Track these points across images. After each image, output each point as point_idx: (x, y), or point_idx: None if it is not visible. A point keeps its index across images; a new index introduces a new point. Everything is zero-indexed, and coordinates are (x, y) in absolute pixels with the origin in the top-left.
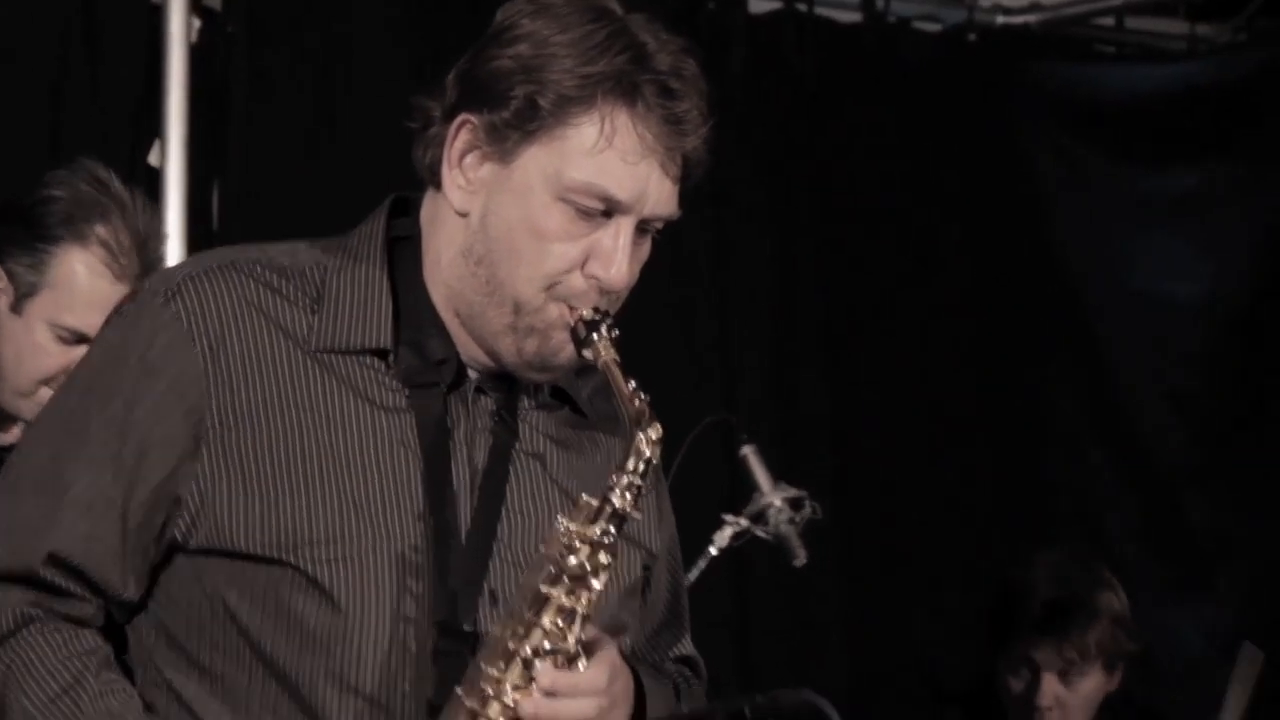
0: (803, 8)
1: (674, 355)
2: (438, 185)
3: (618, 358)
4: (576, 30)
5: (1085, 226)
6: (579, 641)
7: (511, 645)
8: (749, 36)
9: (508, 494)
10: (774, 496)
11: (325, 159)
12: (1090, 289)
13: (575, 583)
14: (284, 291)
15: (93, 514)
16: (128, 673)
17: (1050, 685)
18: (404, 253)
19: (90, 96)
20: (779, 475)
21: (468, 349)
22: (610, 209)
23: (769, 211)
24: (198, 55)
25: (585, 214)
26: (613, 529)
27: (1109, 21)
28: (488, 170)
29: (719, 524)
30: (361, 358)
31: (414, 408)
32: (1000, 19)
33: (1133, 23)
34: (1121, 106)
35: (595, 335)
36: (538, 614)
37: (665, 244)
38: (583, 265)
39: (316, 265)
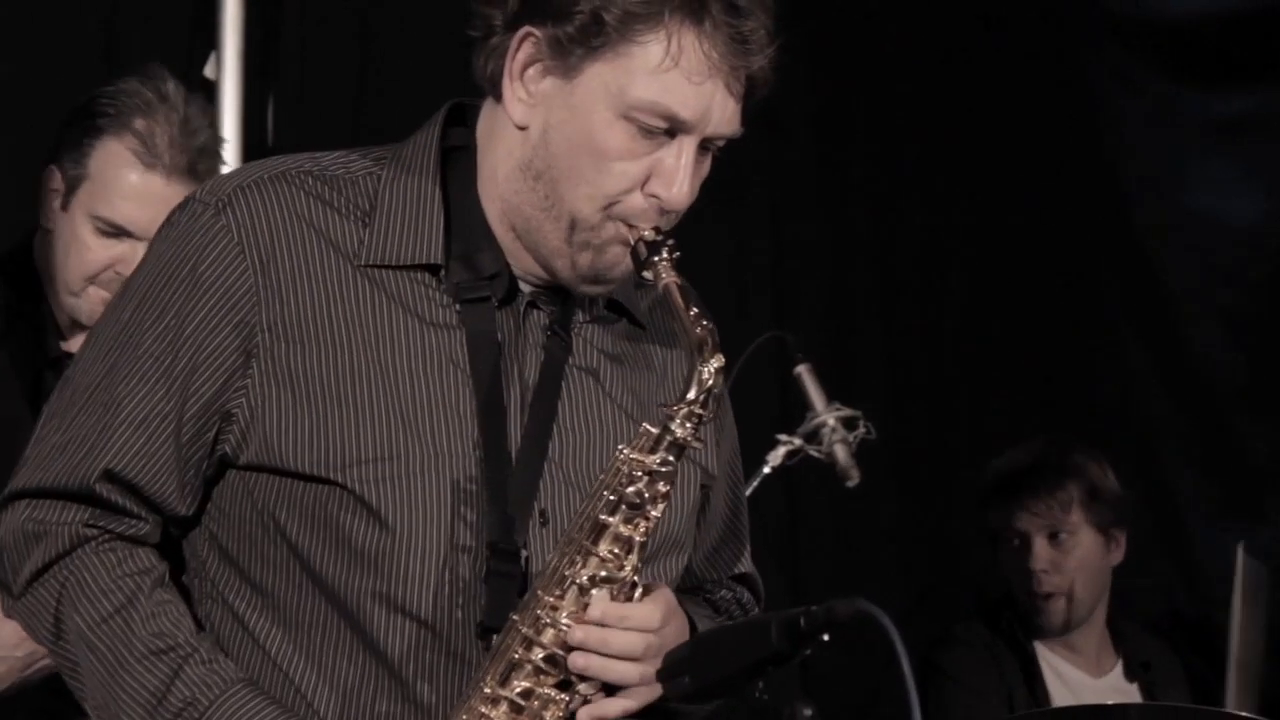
0: None
1: (728, 273)
2: (498, 97)
3: (679, 280)
4: None
5: (1141, 145)
6: (635, 570)
7: (568, 573)
8: None
9: (559, 411)
10: (828, 415)
11: (379, 69)
12: (1144, 208)
13: (633, 511)
14: (335, 204)
15: (147, 429)
16: (184, 591)
17: (1041, 548)
18: (458, 163)
19: (145, 10)
20: (833, 394)
21: (522, 262)
22: (674, 128)
23: (822, 127)
24: None
25: (648, 132)
26: (672, 459)
27: None
28: (549, 84)
29: (772, 443)
30: (412, 273)
31: (464, 324)
32: None
33: None
34: (1181, 26)
35: (656, 257)
36: (595, 542)
37: (720, 163)
38: (643, 184)
39: (369, 176)
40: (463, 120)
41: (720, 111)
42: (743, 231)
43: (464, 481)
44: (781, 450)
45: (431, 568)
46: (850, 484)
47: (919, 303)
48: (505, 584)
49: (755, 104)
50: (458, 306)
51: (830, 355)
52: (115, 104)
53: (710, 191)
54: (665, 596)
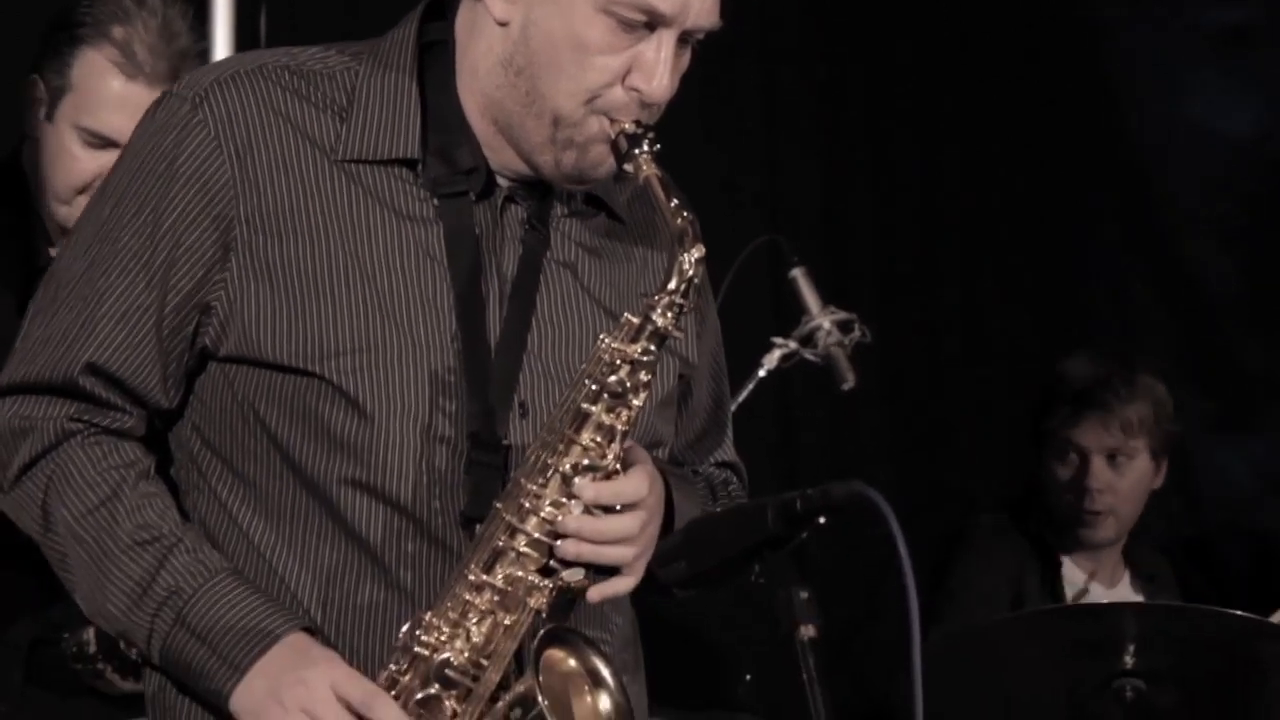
0: None
1: (721, 178)
2: None
3: (660, 172)
4: None
5: (1137, 55)
6: (617, 459)
7: (550, 461)
8: None
9: (538, 303)
10: (823, 319)
11: None
12: (1140, 118)
13: (615, 400)
14: (312, 98)
15: (128, 322)
16: (170, 484)
17: (1099, 467)
18: (436, 59)
19: None
20: (828, 298)
21: (500, 157)
22: (653, 20)
23: (817, 49)
24: None
25: (628, 26)
26: (653, 348)
27: None
28: None
29: (767, 346)
30: (389, 168)
31: (442, 218)
32: None
33: None
34: None
35: (637, 149)
36: (577, 431)
37: (713, 66)
38: (624, 78)
39: (346, 70)
40: (441, 15)
41: (699, 3)
42: (737, 140)
43: (442, 372)
44: (776, 353)
45: (410, 455)
46: (846, 387)
47: (914, 210)
48: (486, 474)
49: None
50: (435, 201)
51: (825, 259)
52: (93, 12)
53: (705, 103)
54: (645, 466)
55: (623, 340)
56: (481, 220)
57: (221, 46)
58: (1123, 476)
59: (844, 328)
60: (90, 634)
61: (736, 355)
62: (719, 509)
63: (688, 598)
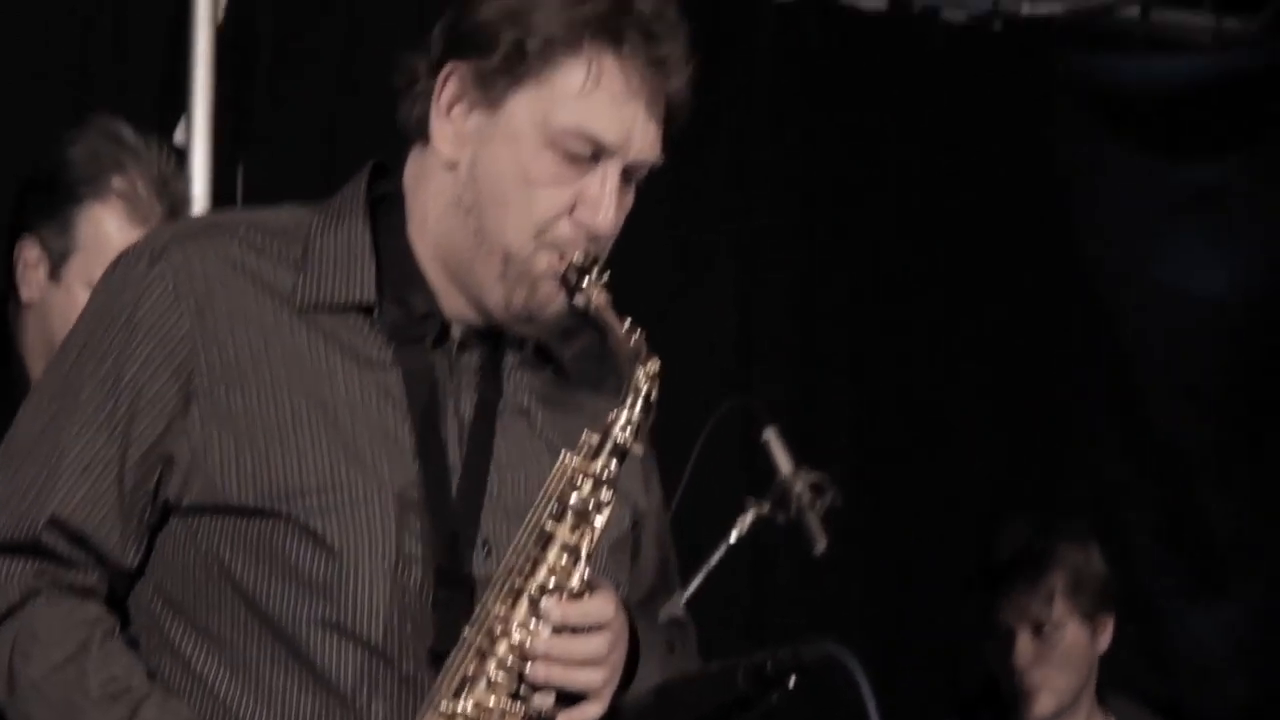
0: None
1: (694, 339)
2: (425, 139)
3: (609, 300)
4: None
5: (1107, 217)
6: (583, 580)
7: (517, 583)
8: (773, 24)
9: (495, 448)
10: (795, 481)
11: (349, 140)
12: (1111, 281)
13: (578, 519)
14: (268, 251)
15: (90, 476)
16: (133, 645)
17: (1024, 643)
18: (387, 210)
19: (116, 74)
20: (800, 460)
21: (453, 304)
22: (597, 152)
23: (791, 199)
24: (224, 34)
25: (573, 159)
26: (614, 464)
27: (1134, 13)
28: (476, 118)
29: (740, 508)
30: (346, 314)
31: (399, 362)
32: (1026, 8)
33: (1158, 15)
34: (1146, 97)
35: (586, 280)
36: (542, 550)
37: (688, 226)
38: (570, 212)
39: (299, 225)
40: (386, 175)
41: (642, 136)
42: (709, 296)
43: (408, 510)
44: (749, 516)
45: (379, 593)
46: (818, 550)
47: (888, 372)
48: (453, 611)
49: (674, 131)
50: (392, 346)
51: (798, 422)
52: (86, 168)
53: (677, 254)
54: (610, 590)
55: (584, 458)
56: (438, 365)
57: (199, 202)
58: (1052, 648)
59: (816, 490)
60: None
61: (709, 517)
62: (690, 670)
63: None
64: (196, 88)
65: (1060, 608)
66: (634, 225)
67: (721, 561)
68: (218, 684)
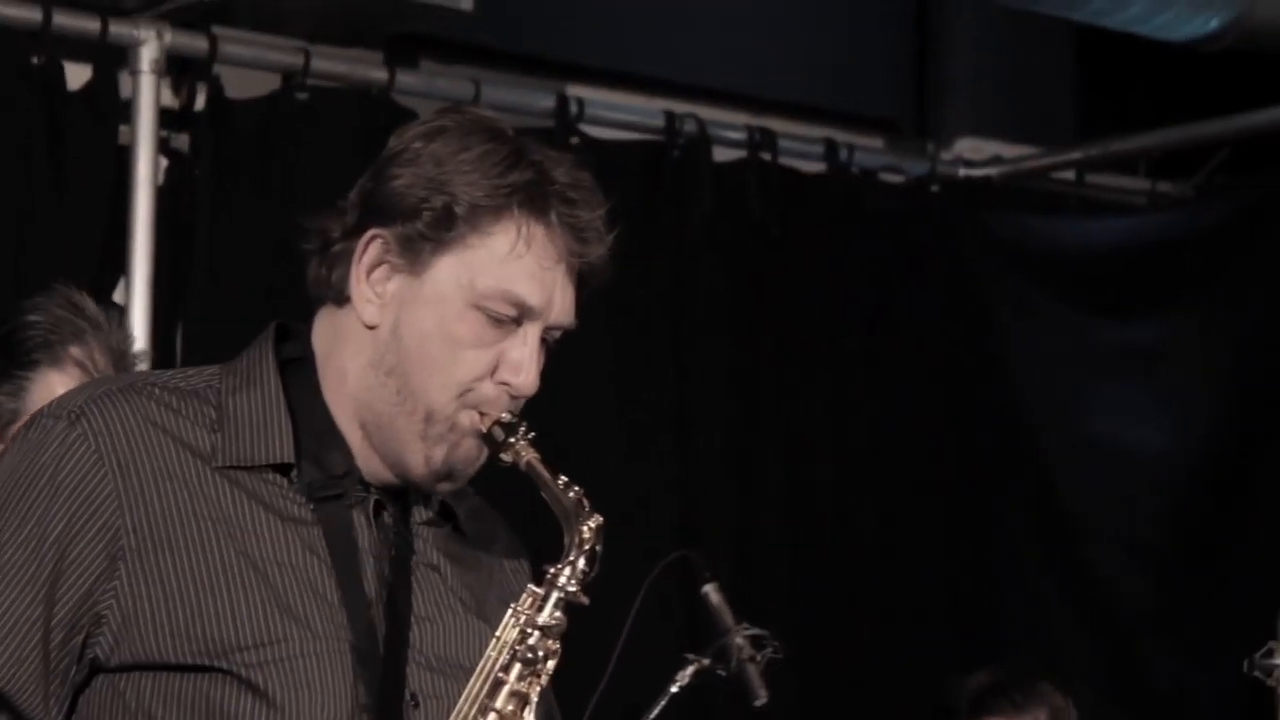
0: (767, 157)
1: (634, 492)
2: (341, 301)
3: (539, 455)
4: (478, 148)
5: (1044, 375)
6: None
7: None
8: (713, 184)
9: (414, 602)
10: (736, 635)
11: (290, 296)
12: (1049, 438)
13: (527, 668)
14: (184, 412)
15: (15, 637)
16: None
17: None
18: (297, 372)
19: (56, 233)
20: (740, 614)
21: (369, 464)
22: (521, 315)
23: (730, 354)
24: (164, 195)
25: (496, 321)
26: (560, 614)
27: (1070, 176)
28: (398, 282)
29: (680, 662)
30: (264, 473)
31: (320, 520)
32: (962, 171)
33: (1093, 178)
34: (1081, 257)
35: (512, 438)
36: (491, 698)
37: (628, 381)
38: (492, 373)
39: (209, 388)
40: (288, 338)
41: (562, 300)
42: (648, 446)
43: (341, 663)
44: (689, 669)
45: None
46: (758, 703)
47: (827, 525)
48: None
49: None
50: (312, 505)
51: (738, 576)
52: (45, 335)
53: (619, 408)
54: None
55: (532, 609)
56: (355, 522)
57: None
58: None
59: (756, 644)
60: None
61: (649, 671)
62: None
63: None
64: (136, 247)
65: None
66: (575, 372)
67: (663, 713)
68: None
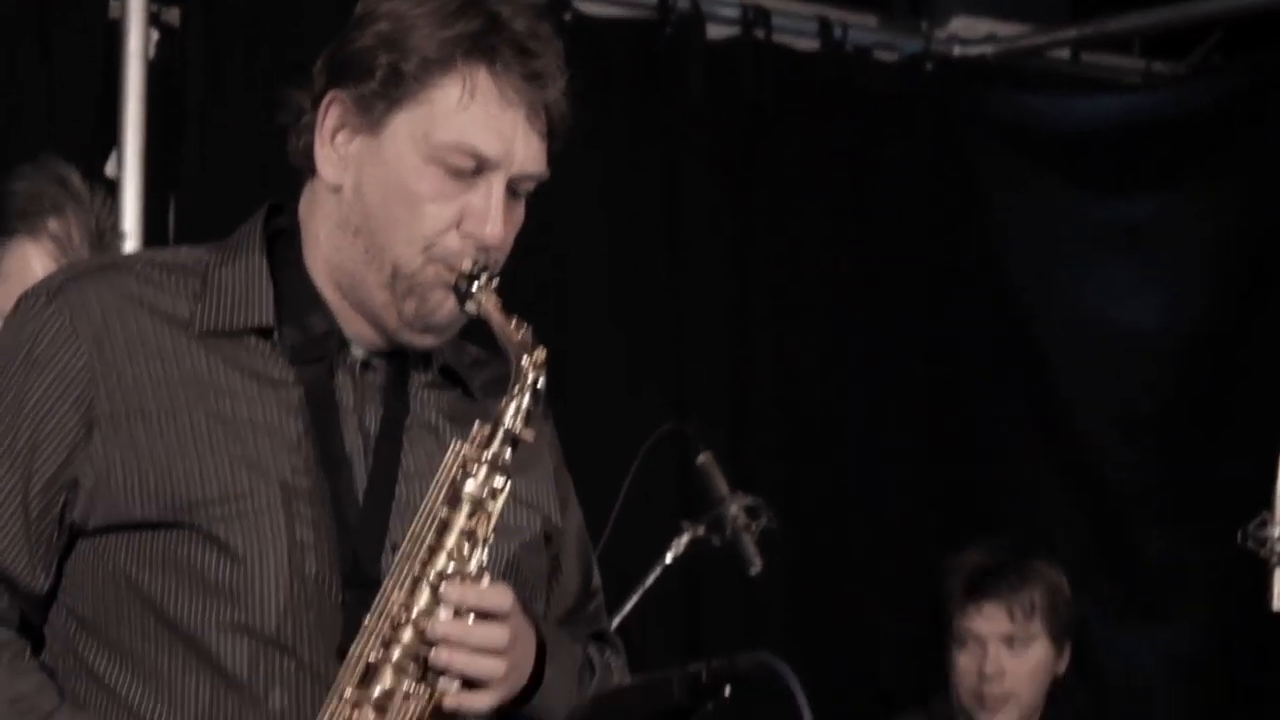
0: (760, 34)
1: (628, 365)
2: (313, 169)
3: (499, 302)
4: (433, 3)
5: (1038, 252)
6: (480, 566)
7: (416, 570)
8: (707, 62)
9: (403, 459)
10: (730, 504)
11: (280, 173)
12: (1042, 315)
13: (474, 506)
14: (165, 285)
15: None
16: (47, 670)
17: (997, 653)
18: (283, 243)
19: (47, 108)
20: (735, 484)
21: (352, 325)
22: (480, 165)
23: (723, 234)
24: (155, 69)
25: (456, 174)
26: (507, 451)
27: (1064, 55)
28: (359, 144)
29: (675, 531)
30: (245, 338)
31: (301, 381)
32: (957, 50)
33: (1088, 58)
34: (1075, 135)
35: (474, 286)
36: (439, 538)
37: (622, 259)
38: (458, 225)
39: (197, 262)
40: (281, 214)
41: (524, 148)
42: (643, 328)
43: (314, 518)
44: (684, 539)
45: (286, 593)
46: (753, 572)
47: (819, 397)
48: (359, 610)
49: (557, 147)
50: (294, 367)
51: (732, 445)
52: (26, 204)
53: (613, 283)
54: (508, 587)
55: (476, 446)
56: (340, 382)
57: (131, 235)
58: (1022, 661)
59: (751, 513)
60: None
61: (644, 541)
62: (625, 682)
63: None
64: (128, 121)
65: (1036, 623)
66: (570, 249)
67: (657, 582)
68: (130, 695)
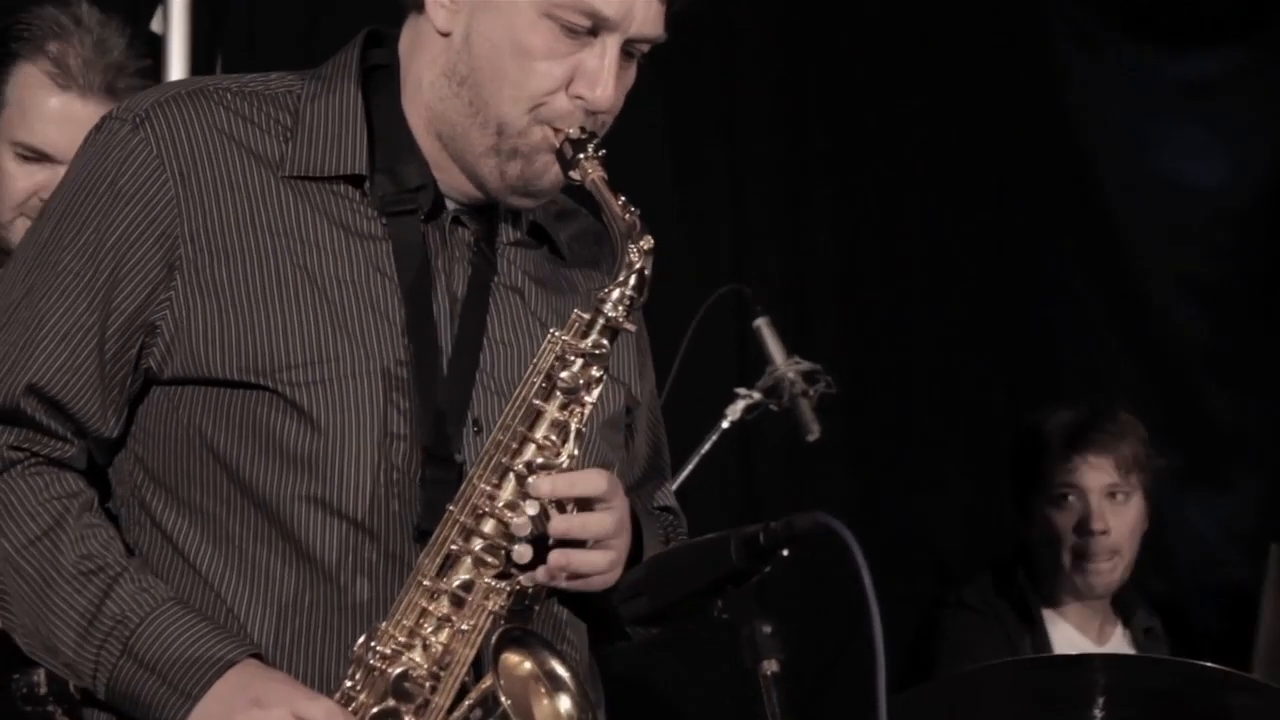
0: None
1: (685, 228)
2: (419, 8)
3: (606, 175)
4: None
5: (1103, 108)
6: (571, 458)
7: (504, 460)
8: None
9: (488, 324)
10: (787, 369)
11: (331, 23)
12: (1107, 171)
13: (568, 396)
14: (255, 119)
15: (69, 343)
16: (113, 519)
17: (1103, 506)
18: (380, 80)
19: None
20: (793, 348)
21: (447, 176)
22: (597, 26)
23: (785, 92)
24: None
25: (571, 32)
26: (605, 342)
27: None
28: None
29: (731, 397)
30: (335, 185)
31: (390, 235)
32: None
33: None
34: None
35: (582, 154)
36: (530, 428)
37: (678, 116)
38: (568, 86)
39: (288, 93)
40: (380, 44)
41: (644, 10)
42: (701, 188)
43: (396, 386)
44: (740, 404)
45: (365, 469)
46: (811, 438)
47: (880, 261)
48: (441, 489)
49: (678, 11)
50: (383, 219)
51: (790, 309)
52: (29, 29)
53: (670, 151)
54: (603, 472)
55: (574, 335)
56: (430, 239)
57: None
58: (1124, 515)
59: (809, 378)
60: (41, 675)
61: (700, 406)
62: (680, 544)
63: (647, 638)
64: None
65: (1135, 475)
66: (628, 114)
67: (714, 447)
68: (199, 558)
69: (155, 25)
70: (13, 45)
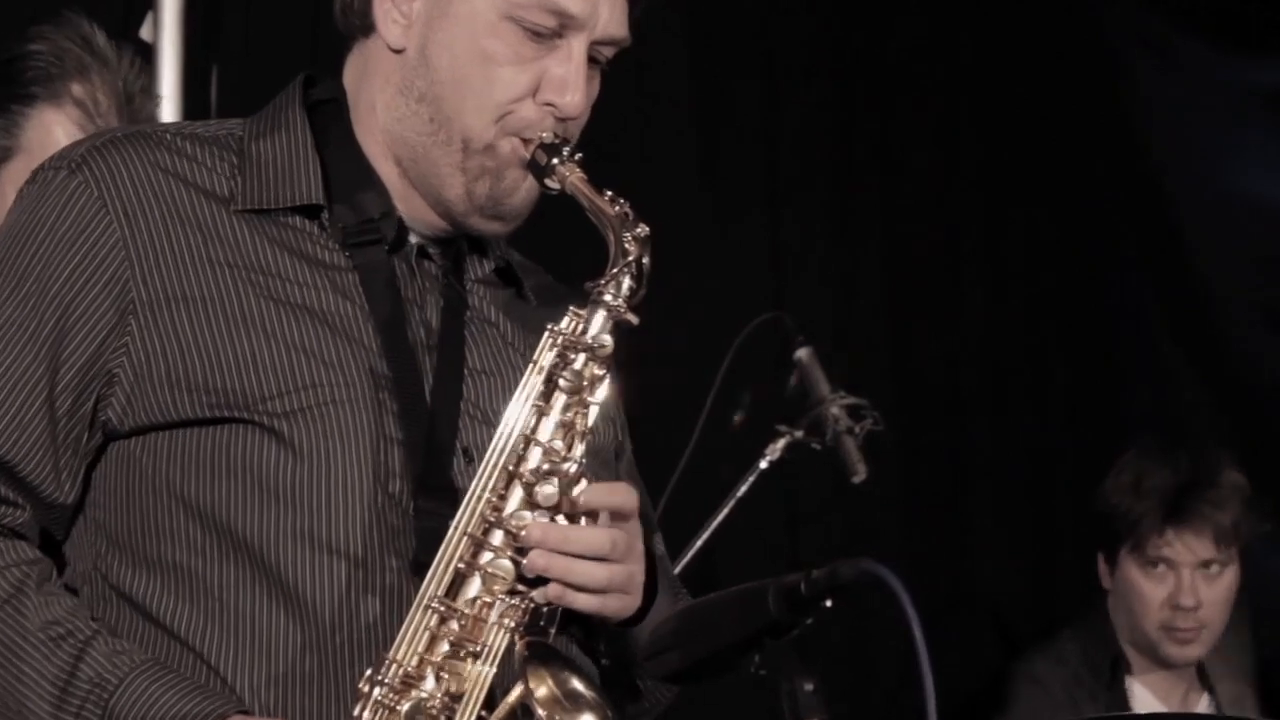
0: None
1: (722, 251)
2: (367, 30)
3: (585, 176)
4: None
5: (1174, 119)
6: (579, 463)
7: (510, 467)
8: None
9: (467, 355)
10: (832, 404)
11: (329, 29)
12: (1179, 188)
13: (571, 395)
14: (199, 158)
15: (14, 398)
16: (72, 592)
17: (1193, 581)
18: (329, 113)
19: None
20: (837, 381)
21: (409, 206)
22: (562, 26)
23: (828, 108)
24: None
25: (535, 35)
26: (608, 338)
27: None
28: (423, 1)
29: (771, 434)
30: (291, 217)
31: (356, 265)
32: None
33: None
34: None
35: (557, 160)
36: (534, 430)
37: (717, 131)
38: (534, 95)
39: (231, 135)
40: (318, 87)
41: (609, 9)
42: (738, 208)
43: (381, 414)
44: (781, 442)
45: (355, 499)
46: (856, 480)
47: (931, 288)
48: (436, 521)
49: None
50: (346, 249)
51: (834, 339)
52: (47, 68)
53: (708, 171)
54: (628, 487)
55: (572, 330)
56: (398, 270)
57: (169, 101)
58: (1218, 587)
59: (855, 414)
60: None
61: (738, 443)
62: (714, 594)
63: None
64: None
65: (1233, 545)
66: (664, 141)
67: (751, 489)
68: (174, 619)
69: (145, 33)
70: (31, 87)
